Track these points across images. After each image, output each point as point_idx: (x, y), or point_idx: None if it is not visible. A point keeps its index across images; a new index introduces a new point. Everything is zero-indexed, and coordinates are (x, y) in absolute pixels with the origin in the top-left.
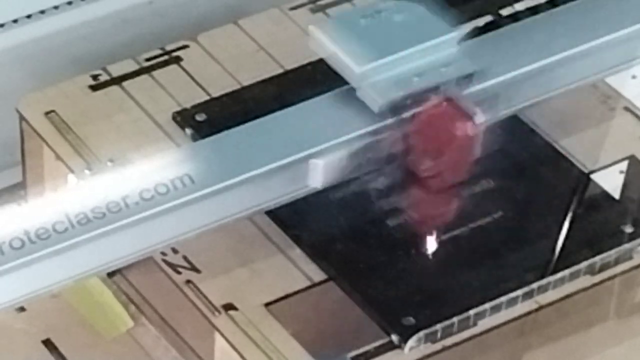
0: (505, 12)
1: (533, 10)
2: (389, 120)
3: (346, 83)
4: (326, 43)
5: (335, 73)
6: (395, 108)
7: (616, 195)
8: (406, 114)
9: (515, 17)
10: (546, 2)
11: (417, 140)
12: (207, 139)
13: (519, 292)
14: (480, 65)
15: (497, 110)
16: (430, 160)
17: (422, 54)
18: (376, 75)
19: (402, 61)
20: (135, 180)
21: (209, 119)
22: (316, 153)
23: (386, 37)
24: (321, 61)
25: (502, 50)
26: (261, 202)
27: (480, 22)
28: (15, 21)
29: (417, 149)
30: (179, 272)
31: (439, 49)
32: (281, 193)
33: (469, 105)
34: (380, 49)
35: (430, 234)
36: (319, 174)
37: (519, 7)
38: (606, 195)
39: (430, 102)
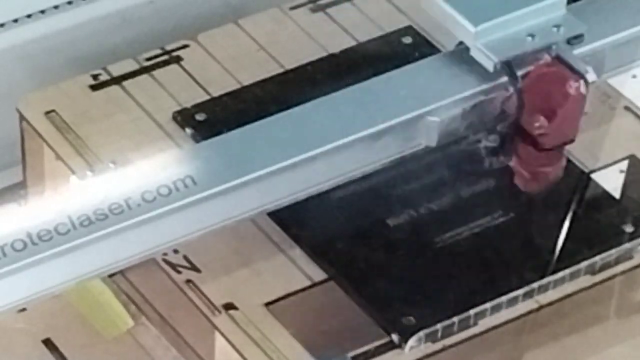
0: None
1: None
2: (503, 79)
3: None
4: (440, 3)
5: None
6: (509, 67)
7: (616, 194)
8: (520, 73)
9: None
10: None
11: (530, 99)
12: (209, 140)
13: (520, 291)
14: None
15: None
16: (543, 118)
17: (533, 15)
18: (490, 34)
19: (515, 21)
20: (137, 182)
21: (209, 118)
22: (320, 153)
23: None
24: (321, 61)
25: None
26: (264, 204)
27: None
28: (15, 21)
29: (530, 107)
30: (179, 272)
31: (550, 10)
32: (283, 194)
33: (580, 65)
34: (493, 10)
35: (431, 233)
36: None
37: None
38: (606, 195)
39: (543, 61)
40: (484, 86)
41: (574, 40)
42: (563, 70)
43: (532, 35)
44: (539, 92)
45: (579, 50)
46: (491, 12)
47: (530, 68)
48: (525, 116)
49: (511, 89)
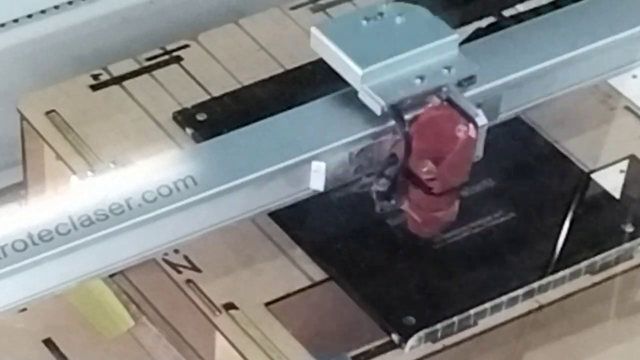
0: (506, 13)
1: (535, 12)
2: (391, 123)
3: (347, 83)
4: (328, 45)
5: (336, 74)
6: (397, 110)
7: (617, 194)
8: (408, 116)
9: (517, 18)
10: (548, 4)
11: (419, 143)
12: (209, 141)
13: (520, 291)
14: (482, 67)
15: (498, 112)
16: (432, 162)
17: (423, 56)
18: (378, 77)
19: (404, 63)
20: (138, 182)
21: (210, 118)
22: (318, 155)
23: (388, 39)
24: (321, 61)
25: (503, 52)
26: (264, 204)
27: (482, 24)
28: (16, 21)
29: (418, 152)
30: (179, 272)
31: (441, 51)
32: (283, 195)
33: (470, 108)
34: (381, 51)
35: (431, 233)
36: (321, 176)
37: (520, 8)
38: (607, 195)
39: (431, 104)
40: (372, 130)
41: (465, 81)
42: (452, 114)
43: (422, 77)
44: (427, 136)
45: (472, 92)
46: (379, 54)
47: (419, 111)
48: (413, 160)
49: (399, 133)
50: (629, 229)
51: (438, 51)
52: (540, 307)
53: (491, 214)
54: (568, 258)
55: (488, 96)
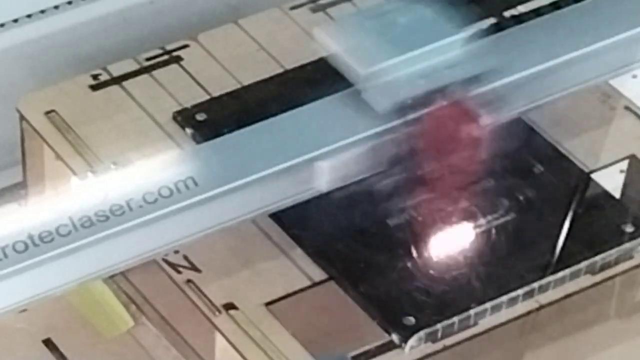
0: (510, 14)
1: (538, 12)
2: (394, 122)
3: (347, 82)
4: (331, 45)
5: (338, 74)
6: (401, 110)
7: (617, 194)
8: (412, 116)
9: (520, 19)
10: (551, 4)
11: (423, 142)
12: (210, 141)
13: (520, 291)
14: (486, 67)
15: (502, 112)
16: (436, 162)
17: (427, 56)
18: (381, 77)
19: (408, 63)
20: (138, 183)
21: (210, 118)
22: (321, 155)
23: (391, 39)
24: (322, 61)
25: (507, 52)
26: (265, 205)
27: (486, 23)
28: (15, 21)
29: (423, 150)
30: (179, 272)
31: (445, 51)
32: (286, 195)
33: (475, 107)
34: (385, 51)
35: (431, 233)
36: (324, 176)
37: (523, 9)
38: (607, 195)
39: (435, 104)
40: (376, 129)
41: (470, 81)
42: (457, 113)
43: (426, 77)
44: (432, 135)
45: (476, 92)
46: (383, 53)
47: (424, 110)
48: (419, 159)
49: (403, 132)
50: (629, 229)
51: (442, 51)
52: (540, 307)
53: (491, 213)
54: (568, 258)
55: (492, 95)
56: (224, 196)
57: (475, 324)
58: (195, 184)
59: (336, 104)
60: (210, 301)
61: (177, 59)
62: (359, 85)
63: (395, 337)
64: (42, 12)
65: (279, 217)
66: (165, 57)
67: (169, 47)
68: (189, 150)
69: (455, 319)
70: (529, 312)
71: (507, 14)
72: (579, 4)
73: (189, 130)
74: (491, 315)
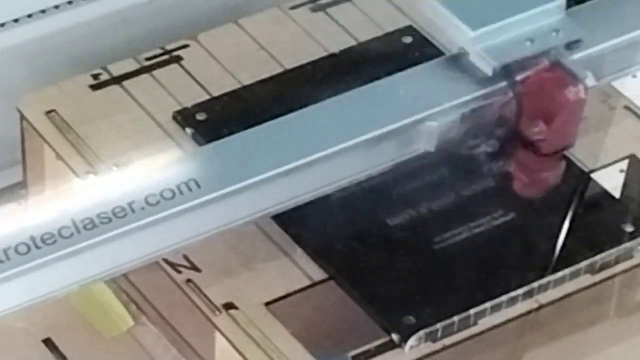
0: None
1: None
2: (502, 84)
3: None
4: (439, 8)
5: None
6: (508, 72)
7: (617, 194)
8: (519, 78)
9: None
10: None
11: (529, 104)
12: (213, 144)
13: (520, 291)
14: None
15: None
16: (542, 124)
17: (532, 19)
18: (489, 39)
19: (514, 26)
20: (141, 185)
21: (210, 118)
22: (320, 158)
23: (497, 3)
24: (322, 60)
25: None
26: (268, 207)
27: None
28: (16, 21)
29: (529, 113)
30: (179, 272)
31: (549, 15)
32: (287, 198)
33: (579, 70)
34: (492, 14)
35: (431, 233)
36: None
37: None
38: (607, 195)
39: (542, 66)
40: (483, 91)
41: (573, 45)
42: (562, 76)
43: (531, 40)
44: (538, 98)
45: (578, 55)
46: (490, 17)
47: (529, 73)
48: (524, 121)
49: (510, 94)
50: (629, 229)
51: (547, 15)
52: (540, 307)
53: (491, 214)
54: (568, 258)
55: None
56: (226, 198)
57: (475, 324)
58: (198, 186)
59: (335, 106)
60: (210, 301)
61: (177, 59)
62: (467, 47)
63: (395, 337)
64: (43, 12)
65: (280, 217)
66: (166, 57)
67: (169, 47)
68: (192, 152)
69: (455, 319)
70: (529, 312)
71: None
72: (575, 7)
73: (189, 130)
74: (491, 315)
